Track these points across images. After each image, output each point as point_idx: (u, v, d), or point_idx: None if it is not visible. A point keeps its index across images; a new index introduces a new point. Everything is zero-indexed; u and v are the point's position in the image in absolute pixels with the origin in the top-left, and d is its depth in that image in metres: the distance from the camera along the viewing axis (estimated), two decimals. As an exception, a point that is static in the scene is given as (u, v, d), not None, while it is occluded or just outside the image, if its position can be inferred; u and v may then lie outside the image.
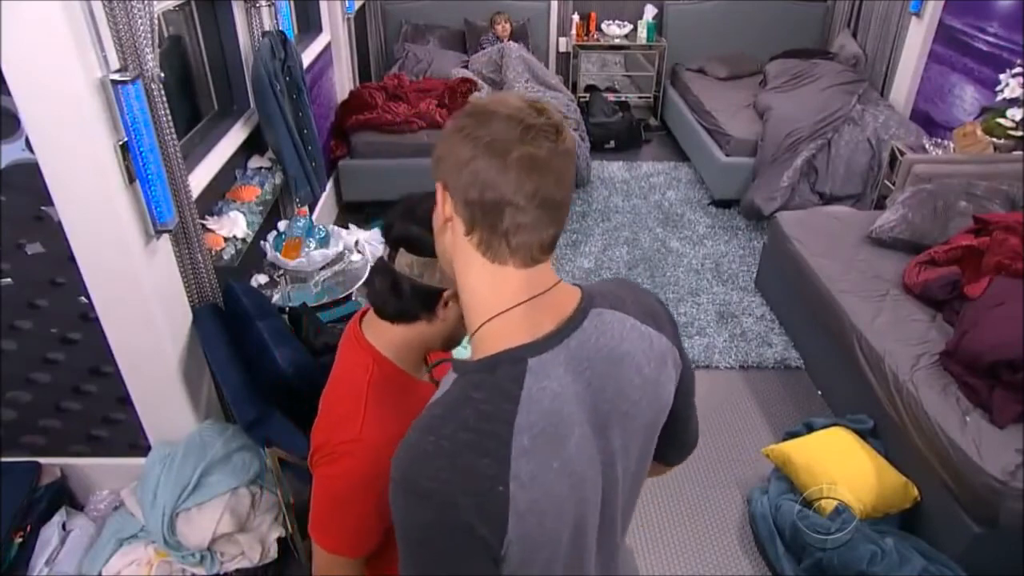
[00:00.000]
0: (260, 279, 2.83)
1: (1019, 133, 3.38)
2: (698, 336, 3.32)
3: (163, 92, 1.86)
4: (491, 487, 0.72)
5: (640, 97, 5.96)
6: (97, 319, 1.97)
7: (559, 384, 0.78)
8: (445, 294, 1.04)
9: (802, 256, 3.07)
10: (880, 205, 3.70)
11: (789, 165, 4.08)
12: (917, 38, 4.37)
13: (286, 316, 2.42)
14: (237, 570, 2.11)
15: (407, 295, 1.05)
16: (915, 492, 2.25)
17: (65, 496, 2.30)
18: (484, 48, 5.10)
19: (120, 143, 1.72)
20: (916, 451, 2.23)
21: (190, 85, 2.77)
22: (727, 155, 4.38)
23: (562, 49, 5.73)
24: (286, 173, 2.95)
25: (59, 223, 1.79)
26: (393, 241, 1.05)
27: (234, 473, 2.09)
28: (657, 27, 5.60)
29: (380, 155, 4.22)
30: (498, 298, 0.80)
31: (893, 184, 3.61)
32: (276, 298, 2.77)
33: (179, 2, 2.50)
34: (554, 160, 0.77)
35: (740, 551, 2.34)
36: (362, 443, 1.01)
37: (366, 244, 3.16)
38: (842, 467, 2.27)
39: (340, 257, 2.96)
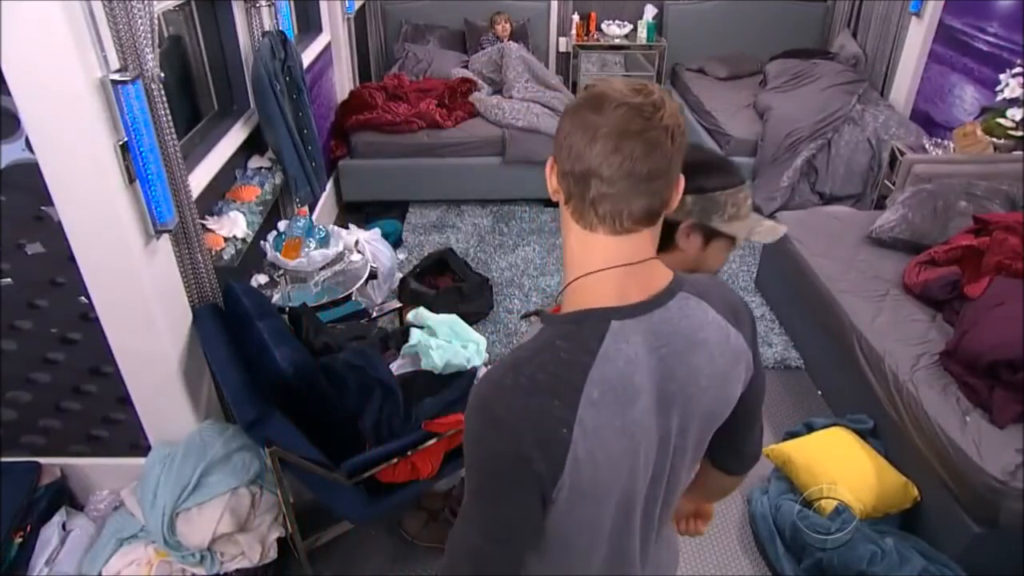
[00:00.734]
0: (260, 279, 2.83)
1: (1019, 133, 3.39)
2: (698, 336, 3.32)
3: (163, 92, 1.86)
4: (556, 428, 0.79)
5: (640, 97, 5.95)
6: (97, 319, 1.97)
7: (635, 351, 0.83)
8: (681, 226, 1.14)
9: (802, 256, 3.07)
10: (880, 205, 3.70)
11: (789, 165, 4.08)
12: (917, 38, 4.37)
13: (286, 316, 2.42)
14: (237, 570, 2.11)
15: None
16: (915, 492, 2.25)
17: (65, 496, 2.30)
18: (484, 48, 5.10)
19: (120, 143, 1.72)
20: (916, 451, 2.23)
21: (190, 85, 2.77)
22: (727, 155, 4.38)
23: (562, 49, 5.73)
24: (286, 173, 2.95)
25: (59, 223, 1.79)
26: None
27: (234, 473, 2.09)
28: (657, 27, 5.60)
29: (380, 155, 4.23)
30: (589, 259, 0.86)
31: (893, 184, 3.61)
32: (276, 298, 2.77)
33: (179, 2, 2.50)
34: (646, 134, 0.80)
35: (740, 551, 2.34)
36: None
37: (366, 244, 3.16)
38: (842, 467, 2.27)
39: (340, 257, 2.96)
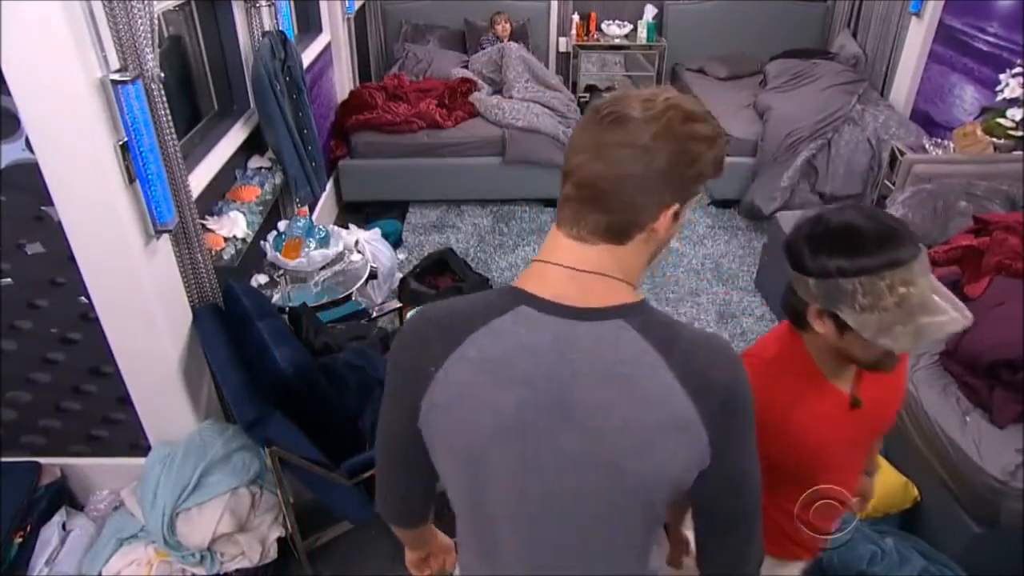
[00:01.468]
0: (260, 279, 2.83)
1: (1019, 133, 3.38)
2: (698, 336, 3.32)
3: (163, 92, 1.86)
4: (427, 363, 0.87)
5: (640, 97, 5.95)
6: (97, 319, 1.97)
7: (534, 342, 0.83)
8: (811, 312, 1.07)
9: (802, 256, 3.06)
10: (880, 205, 3.70)
11: (789, 165, 4.08)
12: (917, 38, 4.36)
13: (286, 316, 2.42)
14: (237, 570, 2.11)
15: (790, 302, 1.14)
16: (915, 492, 2.25)
17: (65, 496, 2.30)
18: (484, 48, 5.10)
19: (120, 143, 1.72)
20: (916, 451, 2.23)
21: (190, 85, 2.77)
22: (727, 155, 4.37)
23: (562, 49, 5.73)
24: (286, 173, 2.95)
25: (59, 223, 1.79)
26: None
27: (234, 473, 2.09)
28: (657, 27, 5.60)
29: (380, 155, 4.22)
30: (549, 251, 0.88)
31: (893, 184, 3.61)
32: (276, 298, 2.77)
33: (179, 2, 2.50)
34: (619, 150, 0.80)
35: (740, 551, 2.34)
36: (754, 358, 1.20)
37: (366, 244, 3.16)
38: (842, 467, 2.27)
39: (340, 257, 2.96)
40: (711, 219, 4.36)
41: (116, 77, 1.66)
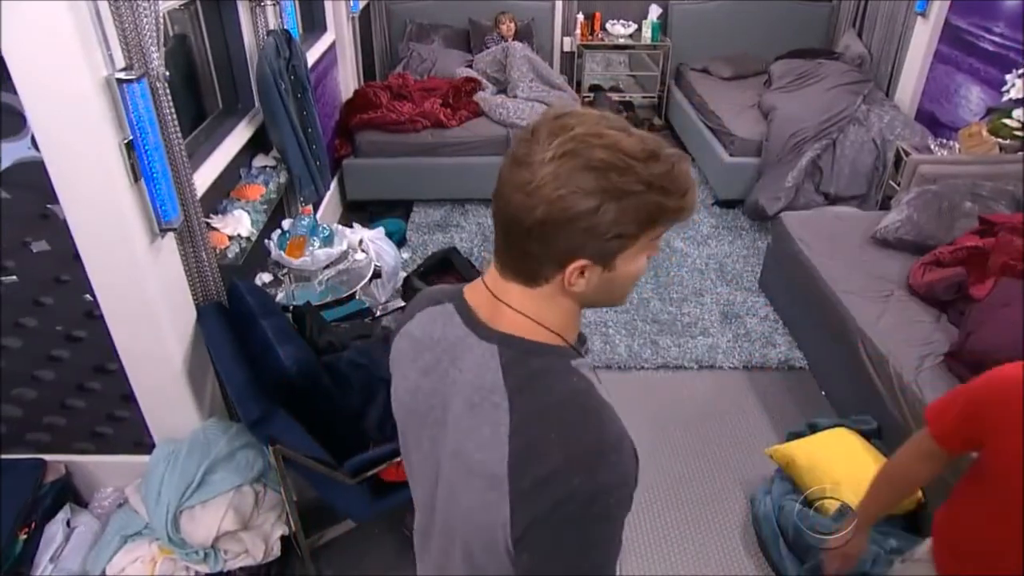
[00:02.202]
0: (264, 278, 2.84)
1: (1025, 134, 3.37)
2: (702, 336, 3.32)
3: (168, 91, 1.86)
4: (399, 327, 0.98)
5: (644, 97, 5.95)
6: (102, 317, 1.97)
7: (443, 337, 0.87)
8: None
9: (806, 256, 3.06)
10: (885, 206, 3.69)
11: (793, 165, 4.07)
12: (922, 38, 4.35)
13: (290, 315, 2.42)
14: (240, 568, 2.11)
15: None
16: (919, 493, 2.25)
17: (69, 493, 2.31)
18: (488, 47, 5.10)
19: (125, 141, 1.73)
20: (920, 452, 2.22)
21: (195, 84, 2.78)
22: (731, 155, 4.37)
23: (566, 49, 5.72)
24: (290, 172, 2.96)
25: (64, 221, 1.80)
26: None
27: (238, 471, 2.10)
28: (662, 27, 5.59)
29: (384, 154, 4.23)
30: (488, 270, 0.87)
31: (898, 184, 3.60)
32: (280, 296, 2.77)
33: (184, 1, 2.51)
34: (504, 186, 0.77)
35: (743, 552, 2.34)
36: None
37: (370, 243, 3.16)
38: (846, 468, 2.26)
39: (344, 256, 2.96)
40: (715, 219, 4.35)
41: (121, 76, 1.66)
